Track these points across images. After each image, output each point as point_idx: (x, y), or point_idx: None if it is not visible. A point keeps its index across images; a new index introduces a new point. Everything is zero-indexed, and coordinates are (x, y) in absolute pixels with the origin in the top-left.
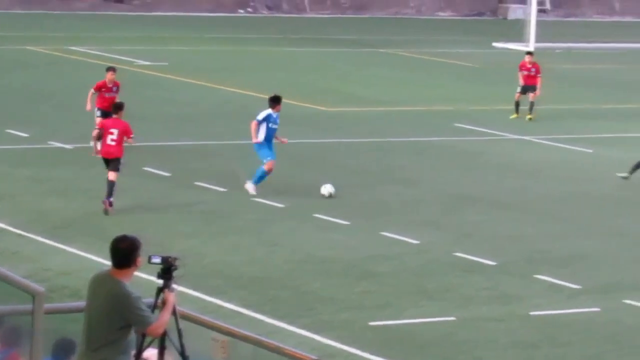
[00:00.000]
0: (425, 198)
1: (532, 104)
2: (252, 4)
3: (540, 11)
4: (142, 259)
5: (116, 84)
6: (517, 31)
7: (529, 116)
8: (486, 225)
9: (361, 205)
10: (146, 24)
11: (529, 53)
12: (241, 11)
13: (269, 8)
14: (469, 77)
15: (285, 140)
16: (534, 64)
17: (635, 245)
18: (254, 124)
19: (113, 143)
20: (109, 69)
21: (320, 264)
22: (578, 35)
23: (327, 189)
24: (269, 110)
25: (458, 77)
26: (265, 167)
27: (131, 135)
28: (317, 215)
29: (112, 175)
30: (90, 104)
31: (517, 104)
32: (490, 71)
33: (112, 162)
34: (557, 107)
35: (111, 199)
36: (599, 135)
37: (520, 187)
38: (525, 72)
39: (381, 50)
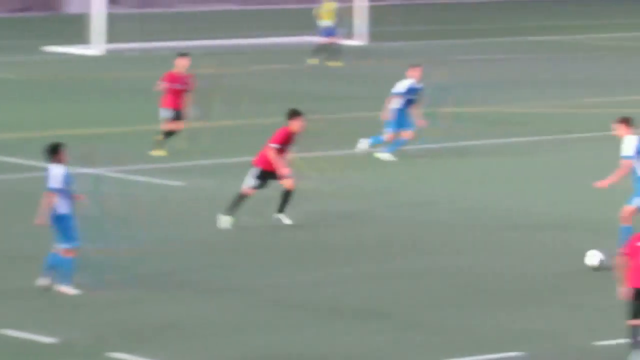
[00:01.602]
0: None
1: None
2: None
3: (111, 2)
4: None
5: None
6: (78, 29)
7: (158, 138)
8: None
9: None
10: None
11: (182, 55)
12: None
13: None
14: (7, 94)
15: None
16: (187, 76)
17: (253, 310)
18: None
19: None
20: None
21: None
22: (164, 32)
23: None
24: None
25: None
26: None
27: None
28: None
29: None
30: None
31: (168, 134)
32: (39, 84)
33: None
34: (142, 127)
35: None
36: (195, 163)
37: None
38: (179, 86)
39: None
